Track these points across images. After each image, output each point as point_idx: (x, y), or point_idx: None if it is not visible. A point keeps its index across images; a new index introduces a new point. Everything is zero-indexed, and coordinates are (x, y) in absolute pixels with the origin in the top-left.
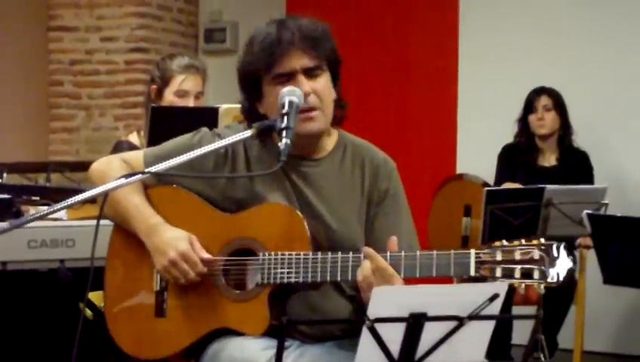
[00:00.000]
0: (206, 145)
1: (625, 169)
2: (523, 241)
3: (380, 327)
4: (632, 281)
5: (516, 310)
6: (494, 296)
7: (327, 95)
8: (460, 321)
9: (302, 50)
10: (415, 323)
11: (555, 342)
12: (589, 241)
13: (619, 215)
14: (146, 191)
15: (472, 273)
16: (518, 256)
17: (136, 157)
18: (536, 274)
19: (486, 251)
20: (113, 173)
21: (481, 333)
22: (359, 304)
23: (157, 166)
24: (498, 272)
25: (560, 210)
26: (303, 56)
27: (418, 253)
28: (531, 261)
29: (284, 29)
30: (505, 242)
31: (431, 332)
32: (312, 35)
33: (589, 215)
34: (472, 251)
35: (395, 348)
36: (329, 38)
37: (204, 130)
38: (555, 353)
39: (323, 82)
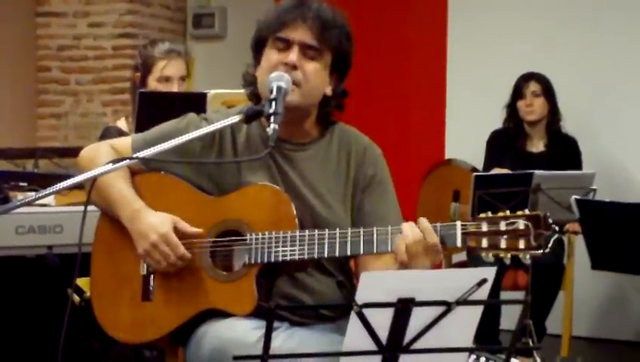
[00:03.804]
0: (193, 129)
1: (613, 155)
2: (508, 212)
3: (368, 312)
4: (620, 267)
5: (504, 295)
6: (482, 281)
7: (314, 81)
8: (448, 306)
9: (309, 27)
10: (403, 308)
11: (543, 328)
12: (577, 227)
13: (607, 200)
14: (133, 177)
15: (459, 244)
16: (503, 226)
17: (124, 143)
18: (521, 244)
19: (472, 222)
20: (101, 159)
21: (469, 318)
22: (347, 289)
23: (145, 151)
24: (484, 243)
25: (548, 195)
26: (307, 32)
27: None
28: (517, 231)
29: (302, 3)
30: (490, 214)
31: (419, 318)
32: (324, 18)
33: (577, 200)
34: (458, 223)
35: (383, 334)
36: (342, 31)
37: (191, 114)
38: (544, 338)
39: (315, 67)
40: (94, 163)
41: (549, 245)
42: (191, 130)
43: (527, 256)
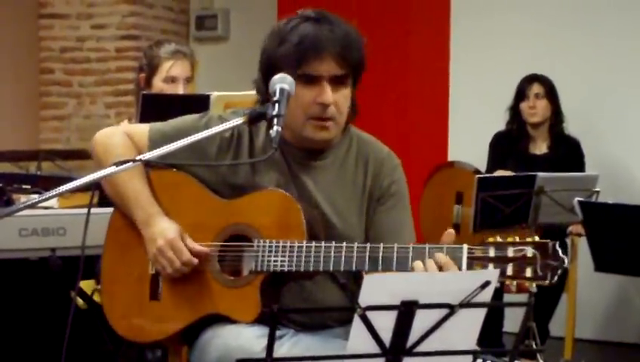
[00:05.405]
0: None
1: (616, 156)
2: (517, 238)
3: (372, 315)
4: (623, 269)
5: (508, 298)
6: (486, 284)
7: (345, 106)
8: (452, 309)
9: (334, 57)
10: (406, 310)
11: (546, 330)
12: (580, 229)
13: (610, 202)
14: (148, 174)
15: (464, 268)
16: (511, 253)
17: (141, 132)
18: (528, 272)
19: (479, 247)
20: (115, 149)
21: (472, 321)
22: (351, 292)
23: (152, 153)
24: (490, 268)
25: (551, 197)
26: (334, 63)
27: (411, 245)
28: (524, 259)
29: (322, 31)
30: (499, 238)
31: (422, 320)
32: (347, 44)
33: (580, 202)
34: (465, 246)
35: (386, 336)
36: (359, 46)
37: (212, 113)
38: (547, 341)
39: (345, 94)
40: (107, 151)
41: (556, 277)
42: (210, 129)
43: (534, 285)
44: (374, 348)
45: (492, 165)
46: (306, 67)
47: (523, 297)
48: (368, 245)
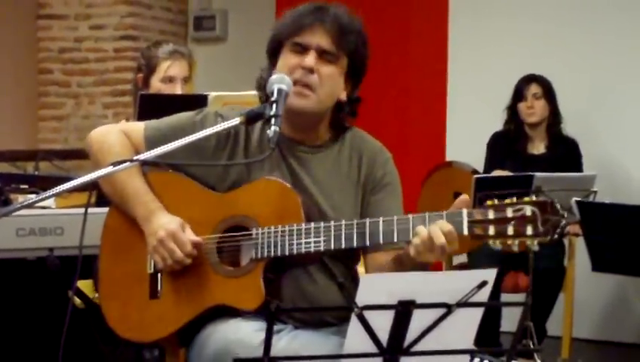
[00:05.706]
0: (209, 125)
1: (614, 157)
2: (515, 199)
3: (369, 315)
4: (620, 268)
5: (505, 297)
6: (483, 284)
7: (330, 85)
8: (449, 308)
9: (327, 31)
10: (404, 310)
11: (543, 330)
12: (577, 229)
13: (608, 202)
14: (145, 175)
15: (465, 232)
16: (510, 213)
17: (137, 130)
18: (529, 230)
19: (478, 210)
20: (112, 147)
21: (469, 320)
22: (348, 292)
23: (149, 153)
24: (491, 230)
25: (549, 197)
26: (325, 37)
27: (411, 215)
28: (524, 218)
29: (320, 8)
30: (497, 201)
31: (419, 320)
32: (342, 23)
33: (578, 202)
34: (464, 210)
35: (383, 336)
36: (359, 36)
37: (208, 110)
38: (544, 340)
39: (331, 70)
40: (105, 150)
41: (558, 231)
42: (207, 127)
43: (535, 243)
44: (371, 348)
45: (490, 165)
46: (298, 36)
47: (520, 297)
48: (367, 220)
